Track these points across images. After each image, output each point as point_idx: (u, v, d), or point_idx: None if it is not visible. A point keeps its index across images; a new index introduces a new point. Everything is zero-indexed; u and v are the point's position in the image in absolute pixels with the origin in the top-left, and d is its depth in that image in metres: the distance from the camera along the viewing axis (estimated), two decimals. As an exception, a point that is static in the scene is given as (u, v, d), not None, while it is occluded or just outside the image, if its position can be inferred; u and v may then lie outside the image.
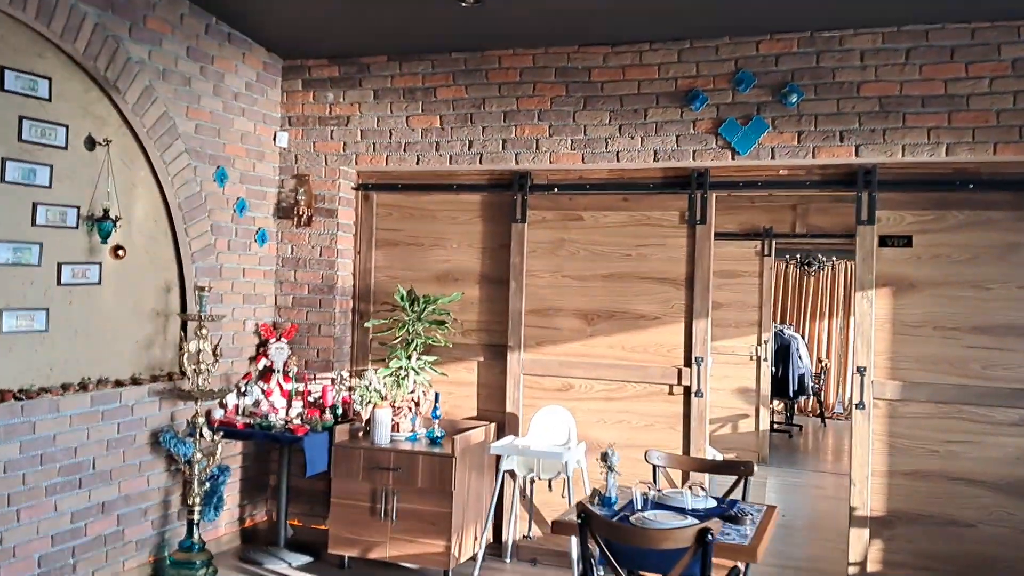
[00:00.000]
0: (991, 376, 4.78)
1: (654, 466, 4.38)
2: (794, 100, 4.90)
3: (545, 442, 5.28)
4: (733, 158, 5.03)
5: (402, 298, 5.47)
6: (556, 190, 5.53)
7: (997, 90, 4.61)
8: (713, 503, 3.77)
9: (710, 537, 2.97)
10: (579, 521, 3.13)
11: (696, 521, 3.40)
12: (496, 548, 5.53)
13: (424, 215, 5.90)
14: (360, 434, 5.51)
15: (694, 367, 5.23)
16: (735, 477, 4.28)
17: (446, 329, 5.55)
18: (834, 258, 11.88)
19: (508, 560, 5.47)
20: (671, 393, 5.30)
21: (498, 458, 5.27)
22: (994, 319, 4.79)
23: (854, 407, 4.96)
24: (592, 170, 5.45)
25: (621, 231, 5.44)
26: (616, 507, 3.71)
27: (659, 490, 3.85)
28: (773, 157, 4.97)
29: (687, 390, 5.26)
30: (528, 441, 5.27)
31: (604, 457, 3.78)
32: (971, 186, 4.79)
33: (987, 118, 4.62)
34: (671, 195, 5.33)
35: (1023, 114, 4.56)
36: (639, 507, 3.66)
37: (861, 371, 4.93)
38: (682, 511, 3.63)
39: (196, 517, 5.01)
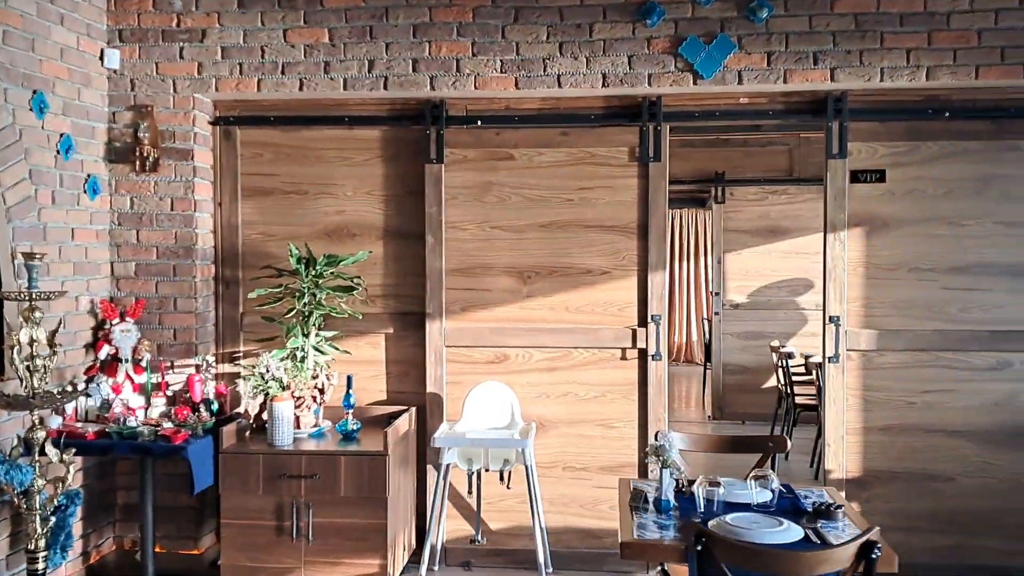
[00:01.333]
0: (968, 319, 4.46)
1: (657, 447, 3.64)
2: (763, 16, 4.26)
3: (485, 425, 4.39)
4: (695, 83, 4.33)
5: (298, 260, 4.34)
6: (479, 123, 4.58)
7: (978, 7, 4.21)
8: (770, 494, 3.09)
9: (876, 552, 2.28)
10: (699, 548, 2.33)
11: (792, 524, 2.71)
12: (416, 553, 4.60)
13: (307, 156, 4.75)
14: (248, 434, 4.36)
15: (650, 327, 4.53)
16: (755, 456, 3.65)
17: (354, 297, 4.49)
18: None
19: (437, 567, 4.55)
20: (624, 358, 4.58)
21: (438, 451, 4.32)
22: (970, 257, 4.46)
23: (827, 361, 4.48)
24: (522, 99, 4.55)
25: (560, 172, 4.60)
26: (672, 511, 2.94)
27: (712, 483, 3.09)
28: (741, 82, 4.32)
29: (643, 353, 4.56)
30: (467, 425, 4.36)
31: (656, 451, 2.97)
32: (946, 114, 4.40)
33: (968, 38, 4.22)
34: (618, 128, 4.56)
35: (1005, 34, 4.19)
36: (704, 509, 2.91)
37: (834, 321, 4.45)
38: (759, 509, 2.93)
39: (41, 565, 3.69)
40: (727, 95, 4.48)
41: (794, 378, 7.67)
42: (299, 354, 4.32)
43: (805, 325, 8.87)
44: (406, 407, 4.57)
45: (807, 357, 7.83)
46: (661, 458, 2.92)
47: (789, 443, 3.51)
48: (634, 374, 4.57)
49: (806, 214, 8.91)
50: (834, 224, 4.45)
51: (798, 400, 7.66)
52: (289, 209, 4.75)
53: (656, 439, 3.01)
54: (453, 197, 4.63)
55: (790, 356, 7.68)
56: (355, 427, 4.26)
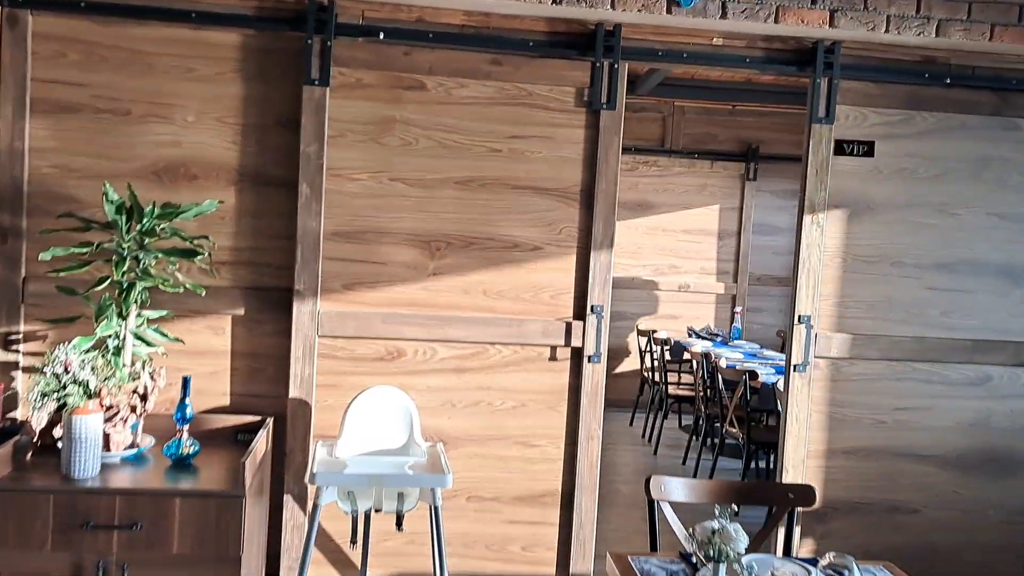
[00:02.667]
0: (949, 325, 3.80)
1: (652, 503, 2.68)
2: (758, -66, 3.35)
3: (374, 445, 3.25)
4: (670, 11, 3.35)
5: (117, 209, 2.99)
6: (381, 36, 3.38)
7: (1000, -46, 3.50)
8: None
9: None
10: None
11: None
12: (264, 609, 3.42)
13: (133, 62, 3.36)
14: (30, 458, 3.00)
15: (590, 320, 3.55)
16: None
17: (195, 263, 3.21)
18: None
19: (294, 630, 3.40)
20: (554, 358, 3.58)
21: (316, 488, 3.13)
22: (958, 253, 3.78)
23: (792, 369, 3.69)
24: (441, 10, 3.39)
25: (487, 113, 3.49)
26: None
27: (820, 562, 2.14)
28: (724, 15, 3.38)
29: (577, 353, 3.58)
30: (350, 447, 3.21)
31: (710, 540, 1.96)
32: (947, 81, 3.68)
33: (985, -9, 3.51)
34: (565, 62, 3.50)
35: (1025, -9, 3.51)
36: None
37: (804, 321, 3.66)
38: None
39: None
40: (699, 32, 3.54)
41: (668, 365, 7.00)
42: (113, 343, 3.01)
43: (660, 306, 8.25)
44: (260, 417, 3.35)
45: (679, 344, 7.18)
46: (722, 550, 1.93)
47: (816, 495, 2.65)
48: (565, 379, 3.58)
49: (676, 189, 8.28)
50: (812, 203, 3.64)
51: (671, 390, 7.00)
52: (103, 135, 3.36)
53: (716, 515, 2.02)
54: (340, 135, 3.42)
55: (667, 343, 6.99)
56: (191, 449, 3.01)
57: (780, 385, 5.11)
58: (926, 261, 3.76)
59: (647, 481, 2.63)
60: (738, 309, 7.83)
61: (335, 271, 3.44)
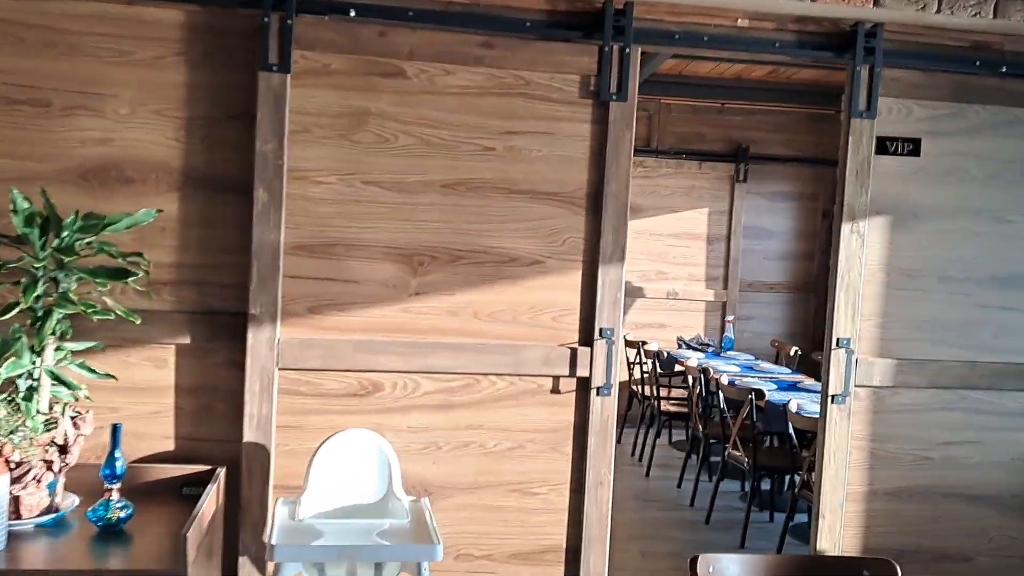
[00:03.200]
0: (1003, 347, 3.34)
1: None
2: None
3: (344, 500, 2.72)
4: (692, -15, 2.86)
5: (27, 219, 2.43)
6: (352, 12, 2.84)
7: (1066, -77, 3.05)
8: None
9: None
10: None
11: None
12: None
13: (54, 43, 2.79)
14: (-81, 527, 2.43)
15: (598, 346, 3.04)
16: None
17: (129, 285, 2.66)
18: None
19: None
20: (556, 390, 3.06)
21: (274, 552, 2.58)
22: (1013, 266, 3.33)
23: (829, 401, 3.21)
24: (423, -18, 2.87)
25: (477, 105, 2.97)
26: None
27: None
28: (755, -9, 2.90)
29: (584, 384, 3.06)
30: (316, 503, 2.67)
31: None
32: (1002, 69, 3.22)
33: (1049, -35, 3.05)
34: (568, 46, 2.98)
35: (1093, -35, 3.06)
36: None
37: (844, 345, 3.18)
38: None
39: None
40: (722, 12, 3.05)
41: (660, 380, 6.53)
42: (24, 385, 2.45)
43: (648, 315, 7.78)
44: (210, 466, 2.80)
45: (671, 356, 6.71)
46: None
47: (898, 571, 2.17)
48: (570, 415, 3.07)
49: (662, 191, 7.81)
50: (852, 210, 3.16)
51: (664, 407, 6.52)
52: (17, 131, 2.79)
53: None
54: (304, 130, 2.88)
55: (658, 355, 6.51)
56: (122, 513, 2.46)
57: (792, 406, 4.66)
58: (977, 275, 3.30)
59: (692, 563, 2.12)
60: (730, 318, 7.38)
61: (298, 291, 2.90)
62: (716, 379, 5.67)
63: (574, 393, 3.05)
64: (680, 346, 7.29)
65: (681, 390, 6.96)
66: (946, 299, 3.28)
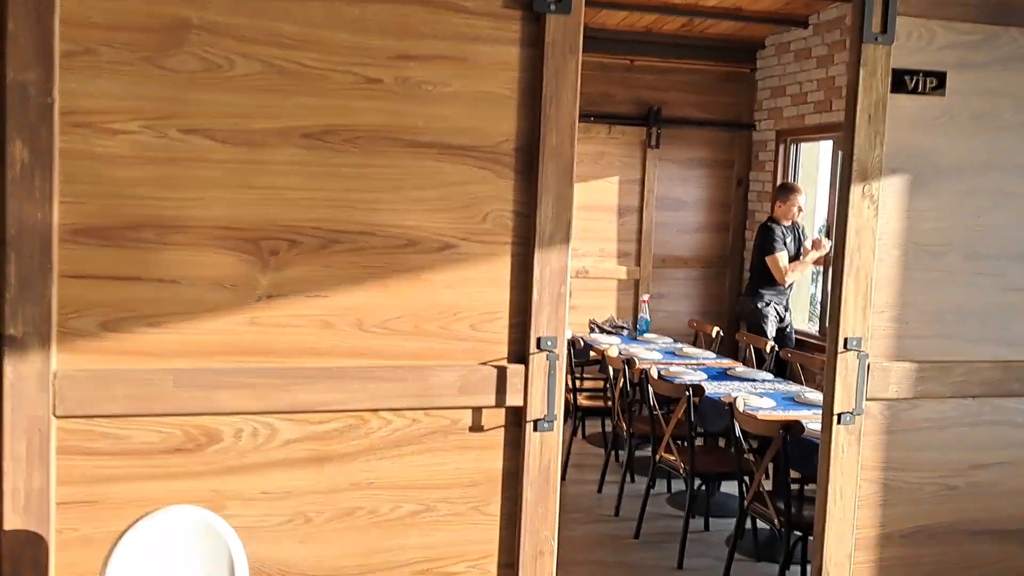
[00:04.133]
0: (1039, 342, 2.63)
1: None
2: None
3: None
4: None
5: None
6: None
7: None
8: None
9: None
10: None
11: None
12: None
13: None
14: None
15: (537, 361, 2.15)
16: None
17: None
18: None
19: None
20: (478, 427, 2.15)
21: None
22: (1052, 238, 2.61)
23: (835, 421, 2.42)
24: None
25: (357, 15, 1.99)
26: None
27: None
28: None
29: (516, 416, 2.16)
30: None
31: None
32: (1044, -17, 2.48)
33: None
34: (486, -72, 2.07)
35: None
36: None
37: (854, 347, 2.40)
38: None
39: None
40: None
41: (575, 370, 5.72)
42: None
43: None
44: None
45: (588, 345, 5.92)
46: None
47: None
48: (497, 460, 2.17)
49: (590, 154, 6.93)
50: (864, 167, 2.36)
51: (580, 401, 5.73)
52: None
53: None
54: (87, 51, 1.86)
55: (574, 344, 5.70)
56: None
57: (739, 404, 3.96)
58: (1012, 250, 2.57)
59: None
60: (645, 297, 6.63)
61: (85, 299, 1.90)
62: (641, 370, 4.93)
63: (503, 430, 2.16)
64: (593, 330, 6.51)
65: (596, 381, 6.21)
66: (973, 281, 2.54)
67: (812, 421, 4.02)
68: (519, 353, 2.14)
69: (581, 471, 5.74)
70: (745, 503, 3.99)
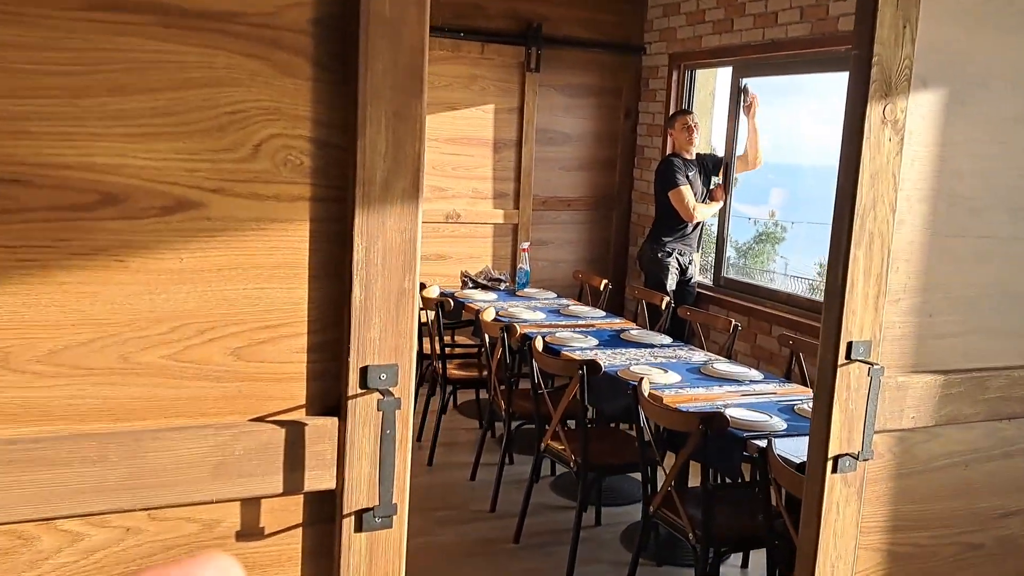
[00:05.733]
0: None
1: None
2: None
3: None
4: None
5: None
6: None
7: None
8: None
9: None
10: None
11: None
12: None
13: None
14: None
15: (359, 411, 1.20)
16: None
17: None
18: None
19: None
20: (253, 533, 1.20)
21: None
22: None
23: (829, 468, 1.58)
24: None
25: None
26: None
27: None
28: None
29: (324, 509, 1.22)
30: None
31: None
32: None
33: None
34: None
35: None
36: None
37: (862, 355, 1.55)
38: None
39: None
40: None
41: (445, 332, 4.79)
42: None
43: (425, 244, 5.99)
44: None
45: (459, 303, 5.01)
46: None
47: None
48: (289, 588, 1.23)
49: (436, 81, 5.97)
50: (886, 75, 1.48)
51: (451, 370, 4.83)
52: None
53: None
54: None
55: (442, 305, 4.77)
56: None
57: (644, 387, 3.19)
58: (1071, 206, 1.75)
59: None
60: (524, 245, 5.74)
61: None
62: (523, 335, 4.07)
63: (300, 533, 1.21)
64: (465, 283, 5.58)
65: (470, 340, 5.33)
66: (1018, 251, 1.72)
67: (729, 403, 3.30)
68: (328, 397, 1.18)
69: (452, 452, 4.88)
70: (650, 508, 3.21)
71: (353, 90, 1.13)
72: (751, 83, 5.50)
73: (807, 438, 2.83)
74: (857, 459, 1.53)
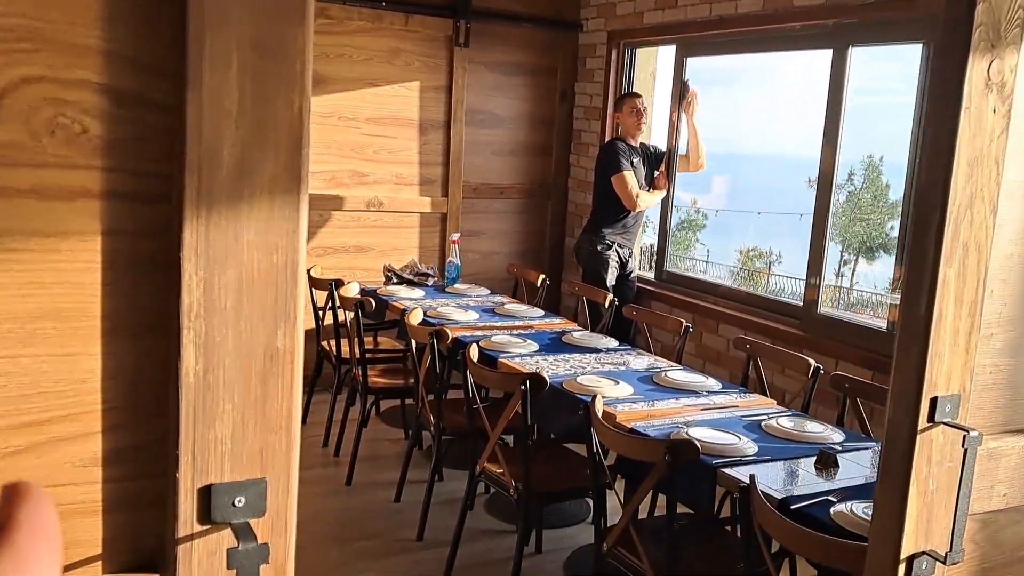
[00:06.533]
0: None
1: None
2: None
3: None
4: None
5: None
6: None
7: None
8: None
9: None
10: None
11: None
12: None
13: None
14: None
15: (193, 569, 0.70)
16: None
17: None
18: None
19: None
20: None
21: None
22: None
23: (900, 570, 1.12)
24: None
25: None
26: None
27: None
28: None
29: None
30: None
31: None
32: None
33: None
34: None
35: None
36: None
37: (949, 417, 1.09)
38: None
39: None
40: None
41: (366, 335, 4.26)
42: None
43: (343, 235, 5.47)
44: None
45: (383, 301, 4.50)
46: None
47: None
48: None
49: (356, 55, 5.48)
50: (995, 22, 1.03)
51: (373, 379, 4.32)
52: None
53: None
54: None
55: (362, 306, 4.24)
56: None
57: (597, 406, 2.75)
58: None
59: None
60: (455, 236, 5.24)
61: None
62: (455, 339, 3.60)
63: None
64: (389, 279, 5.07)
65: (395, 344, 4.84)
66: None
67: (690, 420, 2.89)
68: (142, 540, 0.67)
69: (374, 468, 4.38)
70: (604, 546, 2.77)
71: (180, 4, 0.61)
72: (694, 64, 5.09)
73: (779, 464, 2.40)
74: (944, 562, 1.07)
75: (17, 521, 0.40)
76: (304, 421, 4.89)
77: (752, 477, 2.21)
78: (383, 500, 4.04)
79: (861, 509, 2.24)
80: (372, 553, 3.56)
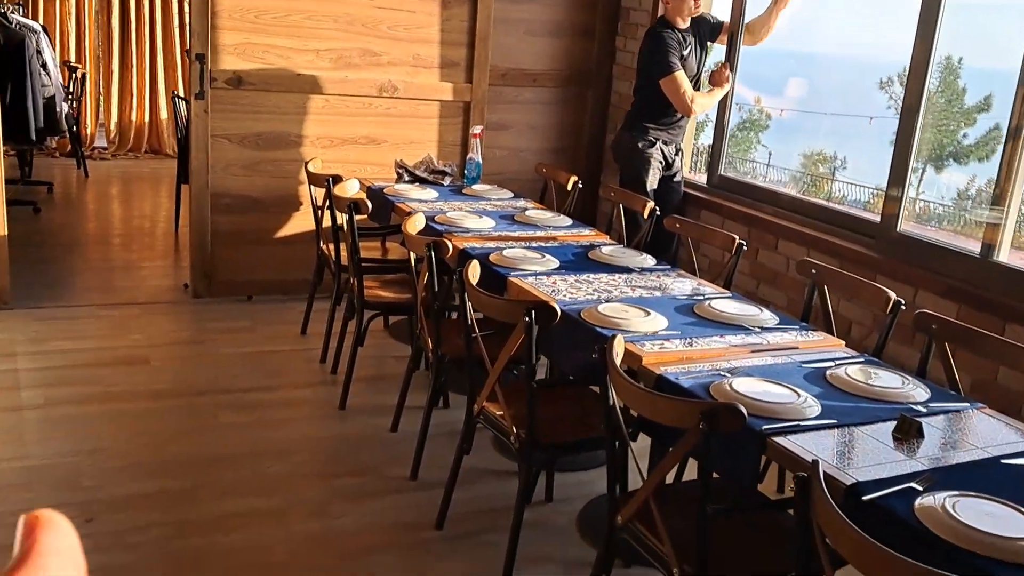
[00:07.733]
0: None
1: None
2: None
3: None
4: None
5: None
6: None
7: None
8: None
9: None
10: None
11: None
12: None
13: None
14: None
15: None
16: None
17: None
18: None
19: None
20: None
21: None
22: None
23: None
24: None
25: None
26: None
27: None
28: None
29: None
30: None
31: None
32: None
33: None
34: None
35: None
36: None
37: None
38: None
39: None
40: None
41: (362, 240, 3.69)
42: None
43: (349, 125, 4.83)
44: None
45: (388, 201, 3.91)
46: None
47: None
48: None
49: None
50: None
51: (371, 291, 3.76)
52: None
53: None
54: None
55: (358, 207, 3.64)
56: None
57: (616, 346, 2.13)
58: None
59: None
60: (477, 130, 4.57)
61: None
62: (460, 251, 3.02)
63: None
64: (401, 176, 4.46)
65: (403, 250, 4.27)
66: None
67: (735, 365, 2.30)
68: None
69: (375, 390, 3.88)
70: (619, 519, 2.21)
71: None
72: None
73: (848, 431, 1.83)
74: None
75: (43, 547, 0.40)
76: (303, 331, 4.39)
77: (815, 465, 1.61)
78: (379, 428, 3.54)
79: (953, 505, 1.64)
80: (356, 492, 3.07)
